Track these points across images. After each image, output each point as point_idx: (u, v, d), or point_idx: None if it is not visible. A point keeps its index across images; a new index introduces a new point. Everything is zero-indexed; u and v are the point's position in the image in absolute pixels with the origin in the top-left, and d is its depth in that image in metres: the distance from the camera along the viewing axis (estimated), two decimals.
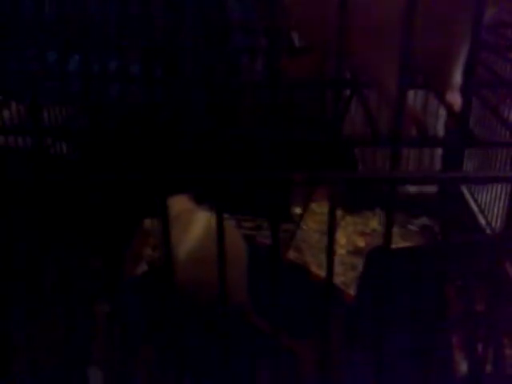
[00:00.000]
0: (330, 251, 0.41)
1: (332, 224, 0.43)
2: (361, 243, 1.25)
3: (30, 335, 0.77)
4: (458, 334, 0.86)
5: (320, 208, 1.37)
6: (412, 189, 1.33)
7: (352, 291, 1.06)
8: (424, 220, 1.31)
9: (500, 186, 1.08)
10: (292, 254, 1.21)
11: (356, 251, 1.23)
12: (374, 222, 1.33)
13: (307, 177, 0.40)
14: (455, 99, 0.50)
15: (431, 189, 1.34)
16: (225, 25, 1.14)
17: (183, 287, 0.85)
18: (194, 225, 0.95)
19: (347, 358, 0.82)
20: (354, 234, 1.29)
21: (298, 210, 1.33)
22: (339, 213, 1.33)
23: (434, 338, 0.56)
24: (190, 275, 0.89)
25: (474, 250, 0.84)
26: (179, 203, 0.99)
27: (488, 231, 1.13)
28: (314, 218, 1.35)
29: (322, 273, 1.12)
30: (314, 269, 1.15)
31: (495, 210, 1.12)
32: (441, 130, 1.29)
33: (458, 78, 0.53)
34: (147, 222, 1.29)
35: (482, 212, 1.18)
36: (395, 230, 1.26)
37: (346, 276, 1.14)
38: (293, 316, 0.78)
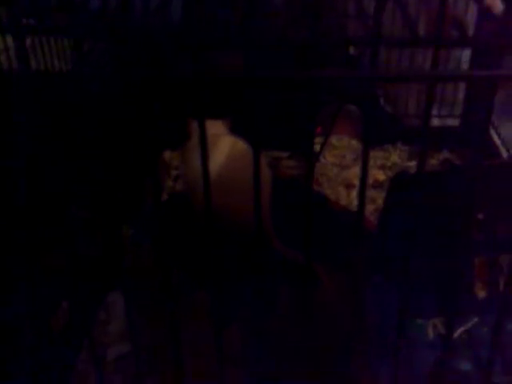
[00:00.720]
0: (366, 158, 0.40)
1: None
2: (381, 177, 1.25)
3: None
4: (478, 266, 0.88)
5: (339, 142, 1.36)
6: (435, 122, 1.31)
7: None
8: (445, 154, 1.30)
9: None
10: None
11: (376, 185, 1.23)
12: (395, 156, 1.32)
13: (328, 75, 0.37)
14: (494, 2, 0.50)
15: (453, 122, 1.33)
16: None
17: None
18: (218, 149, 0.94)
19: (371, 282, 0.84)
20: (374, 167, 1.28)
21: (317, 143, 1.32)
22: (359, 146, 1.32)
23: (458, 260, 0.56)
24: (213, 199, 0.88)
25: (496, 173, 0.83)
26: (209, 128, 0.98)
27: None
28: (333, 152, 1.34)
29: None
30: None
31: None
32: None
33: None
34: (167, 154, 1.30)
35: (505, 145, 1.18)
36: (415, 163, 1.25)
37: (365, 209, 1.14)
38: (316, 243, 0.79)
